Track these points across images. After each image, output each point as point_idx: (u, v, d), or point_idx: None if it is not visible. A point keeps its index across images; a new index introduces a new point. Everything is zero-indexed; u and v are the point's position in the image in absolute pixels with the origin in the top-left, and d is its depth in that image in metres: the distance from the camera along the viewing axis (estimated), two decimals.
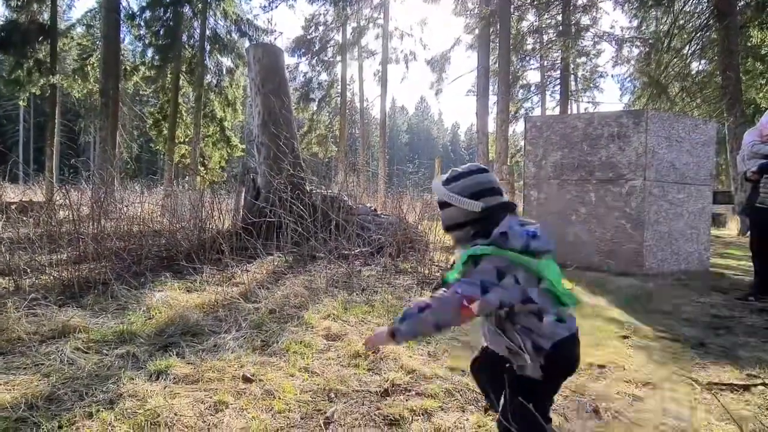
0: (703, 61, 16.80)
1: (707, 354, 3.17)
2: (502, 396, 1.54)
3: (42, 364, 2.48)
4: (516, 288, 1.39)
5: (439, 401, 2.26)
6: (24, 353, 2.61)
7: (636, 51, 18.24)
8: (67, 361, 2.53)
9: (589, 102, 24.20)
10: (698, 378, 2.71)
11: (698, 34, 14.98)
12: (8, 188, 9.75)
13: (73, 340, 2.82)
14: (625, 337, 3.48)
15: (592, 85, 22.84)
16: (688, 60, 16.15)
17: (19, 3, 14.09)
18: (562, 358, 1.47)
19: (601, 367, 2.82)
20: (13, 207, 6.52)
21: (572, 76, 22.33)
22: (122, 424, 1.92)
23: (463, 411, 2.18)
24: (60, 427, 1.88)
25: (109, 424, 1.91)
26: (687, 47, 15.56)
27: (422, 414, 2.13)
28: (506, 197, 1.56)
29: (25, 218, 6.04)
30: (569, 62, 20.41)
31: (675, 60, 15.72)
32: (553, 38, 20.21)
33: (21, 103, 16.44)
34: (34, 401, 2.08)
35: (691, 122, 6.77)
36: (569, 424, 2.09)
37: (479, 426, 2.04)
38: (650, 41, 16.67)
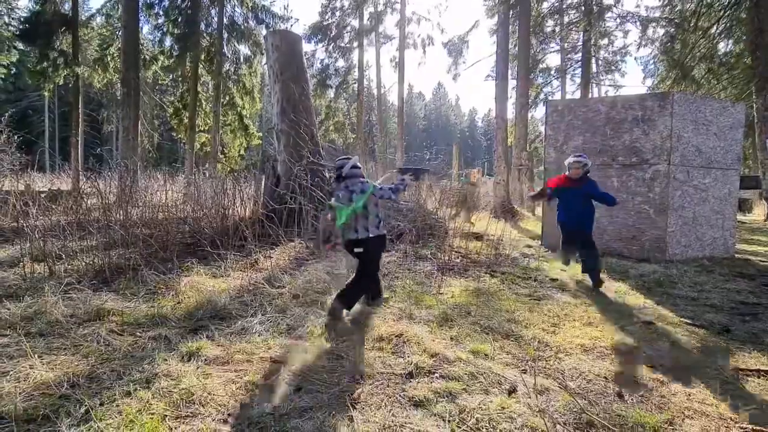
0: (730, 41, 16.12)
1: (732, 340, 3.14)
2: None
3: (80, 345, 2.60)
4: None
5: (463, 384, 2.30)
6: (63, 335, 2.74)
7: (661, 31, 17.61)
8: (104, 342, 2.65)
9: (610, 85, 23.50)
10: (723, 364, 2.69)
11: (727, 13, 14.35)
12: (36, 178, 10.06)
13: (108, 323, 2.94)
14: (648, 323, 3.46)
15: (614, 68, 22.19)
16: (715, 40, 15.51)
17: None
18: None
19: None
20: (42, 196, 6.74)
21: (594, 58, 21.72)
22: (159, 402, 2.01)
23: (487, 393, 2.22)
24: (101, 404, 1.98)
25: (147, 402, 2.01)
26: (714, 27, 14.94)
27: (446, 396, 2.18)
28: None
29: (54, 206, 6.23)
30: (591, 44, 19.84)
31: (701, 40, 15.12)
32: (575, 19, 19.63)
33: (46, 93, 16.80)
34: (76, 380, 2.19)
35: (718, 105, 6.56)
36: (593, 407, 2.11)
37: (503, 408, 2.07)
38: (676, 21, 16.05)
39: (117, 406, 1.97)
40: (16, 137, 7.32)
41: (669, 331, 3.30)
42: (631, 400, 2.23)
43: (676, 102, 5.97)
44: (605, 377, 2.46)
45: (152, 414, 1.91)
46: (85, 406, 1.94)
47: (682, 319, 3.58)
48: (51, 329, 2.81)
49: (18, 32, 15.59)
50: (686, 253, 6.14)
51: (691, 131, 6.12)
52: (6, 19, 17.24)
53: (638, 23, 17.97)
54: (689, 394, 2.30)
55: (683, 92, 12.83)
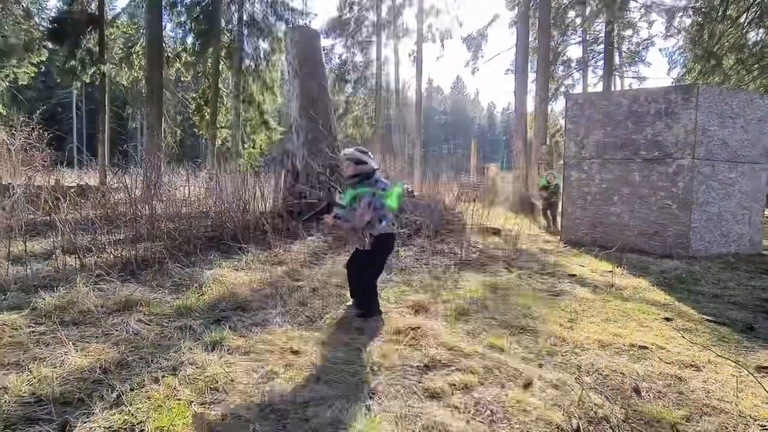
0: (761, 31, 15.52)
1: (756, 338, 3.08)
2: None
3: (111, 333, 2.72)
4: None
5: (479, 377, 2.33)
6: (94, 324, 2.87)
7: (688, 21, 17.08)
8: (132, 331, 2.77)
9: (634, 77, 22.90)
10: (746, 361, 2.65)
11: (757, 1, 13.83)
12: (66, 173, 10.43)
13: (136, 313, 3.06)
14: (668, 319, 3.42)
15: (637, 59, 21.63)
16: (745, 29, 14.96)
17: None
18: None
19: (643, 348, 2.80)
20: (72, 191, 6.99)
21: (616, 50, 21.21)
22: (185, 388, 2.11)
23: (502, 387, 2.25)
24: (131, 389, 2.08)
25: (174, 388, 2.10)
26: (744, 16, 14.41)
27: (462, 388, 2.21)
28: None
29: (83, 201, 6.46)
30: (614, 36, 19.38)
31: (730, 30, 14.61)
32: (597, 10, 19.20)
33: (74, 91, 17.34)
34: (107, 366, 2.30)
35: (746, 97, 6.36)
36: (609, 402, 2.12)
37: (518, 401, 2.10)
38: (704, 10, 15.53)
39: (146, 391, 2.07)
40: (46, 134, 7.59)
41: (690, 327, 3.26)
42: (648, 396, 2.23)
43: (701, 94, 5.82)
44: (622, 373, 2.45)
45: (179, 400, 2.00)
46: (117, 391, 2.04)
47: (703, 316, 3.52)
48: (83, 318, 2.94)
49: (47, 32, 16.09)
50: (710, 249, 6.01)
51: (716, 124, 5.96)
52: (36, 19, 17.79)
53: (664, 13, 17.45)
54: (708, 391, 2.28)
55: (709, 85, 12.45)
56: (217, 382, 2.17)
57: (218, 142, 18.10)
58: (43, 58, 17.56)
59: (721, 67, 14.67)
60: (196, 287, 3.68)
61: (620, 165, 6.43)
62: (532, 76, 15.99)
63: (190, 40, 17.31)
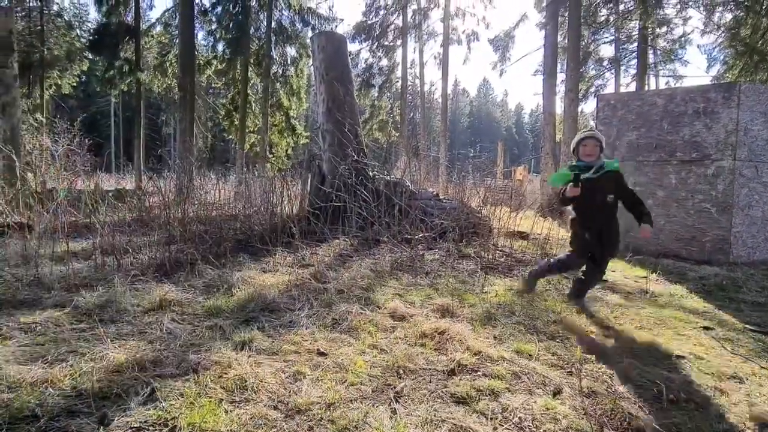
0: None
1: None
2: None
3: (146, 332, 2.82)
4: None
5: (506, 383, 2.29)
6: (130, 322, 2.98)
7: (729, 16, 16.37)
8: (166, 330, 2.85)
9: (669, 76, 22.08)
10: None
11: None
12: (104, 177, 10.89)
13: (169, 313, 3.16)
14: (707, 328, 3.27)
15: (673, 57, 20.85)
16: None
17: (108, 7, 15.45)
18: None
19: (680, 357, 2.69)
20: (110, 194, 7.29)
21: (651, 48, 20.53)
22: (216, 386, 2.16)
23: (531, 394, 2.20)
24: (165, 386, 2.14)
25: (205, 385, 2.16)
26: None
27: (489, 394, 2.18)
28: None
29: (120, 204, 6.73)
30: (648, 33, 18.78)
31: None
32: (631, 7, 18.65)
33: (113, 99, 18.13)
34: (143, 363, 2.38)
35: None
36: (643, 413, 2.05)
37: (547, 408, 2.05)
38: (746, 4, 14.87)
39: (178, 388, 2.13)
40: (86, 140, 7.97)
41: (731, 337, 3.11)
42: (686, 407, 2.14)
43: (743, 93, 5.57)
44: (657, 382, 2.36)
45: (210, 397, 2.05)
46: (151, 387, 2.11)
47: (746, 325, 3.36)
48: (120, 317, 3.06)
49: (87, 43, 16.89)
50: (753, 255, 5.72)
51: (760, 124, 5.69)
52: (78, 31, 18.69)
53: (702, 8, 16.80)
54: (752, 405, 2.17)
55: (752, 82, 11.89)
56: (245, 381, 2.22)
57: (246, 146, 18.53)
58: (84, 68, 18.41)
59: (766, 64, 14.00)
60: (225, 288, 3.76)
61: (655, 167, 6.22)
62: (561, 76, 15.68)
63: (220, 47, 17.83)
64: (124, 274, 3.88)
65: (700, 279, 4.76)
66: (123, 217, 5.88)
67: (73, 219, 5.47)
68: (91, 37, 16.82)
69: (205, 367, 2.35)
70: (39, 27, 17.48)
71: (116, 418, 1.86)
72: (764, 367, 2.42)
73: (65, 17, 19.77)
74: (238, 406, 2.01)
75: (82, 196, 6.01)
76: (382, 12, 22.76)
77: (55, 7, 19.65)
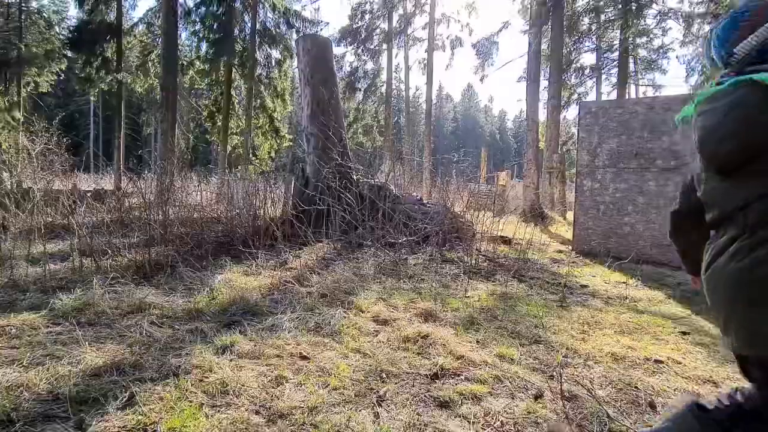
0: None
1: None
2: None
3: (125, 335, 2.76)
4: None
5: (488, 387, 2.31)
6: (109, 325, 2.91)
7: (707, 28, 16.92)
8: (146, 333, 2.80)
9: (649, 85, 22.67)
10: None
11: None
12: (83, 177, 10.64)
13: (149, 316, 3.10)
14: (684, 333, 3.36)
15: (653, 66, 21.40)
16: None
17: (90, 6, 15.15)
18: None
19: (658, 362, 2.75)
20: (88, 195, 7.13)
21: (631, 57, 21.04)
22: (197, 390, 2.12)
23: (513, 398, 2.22)
24: (144, 390, 2.10)
25: (186, 390, 2.12)
26: None
27: (471, 398, 2.20)
28: None
29: (99, 205, 6.58)
30: (628, 42, 19.25)
31: None
32: (612, 17, 19.09)
33: (92, 98, 17.75)
34: (122, 367, 2.33)
35: None
36: (623, 417, 2.09)
37: (529, 412, 2.07)
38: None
39: (158, 392, 2.09)
40: (65, 140, 7.77)
41: (707, 342, 3.20)
42: (665, 410, 2.18)
43: None
44: (637, 387, 2.41)
45: (190, 402, 2.01)
46: (131, 390, 2.06)
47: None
48: (99, 319, 2.99)
49: (67, 41, 16.52)
50: None
51: None
52: (57, 29, 18.28)
53: (681, 20, 17.30)
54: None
55: None
56: (227, 385, 2.19)
57: (229, 148, 18.33)
58: (63, 67, 18.00)
59: None
60: (207, 291, 3.71)
61: (635, 174, 6.37)
62: (544, 83, 15.95)
63: (204, 48, 17.62)
64: (103, 276, 3.79)
65: (679, 285, 4.88)
66: (102, 218, 5.75)
67: (50, 219, 5.32)
68: (71, 35, 16.46)
69: (185, 370, 2.31)
70: (17, 24, 17.05)
71: (94, 423, 1.81)
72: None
73: (44, 14, 19.32)
74: (219, 411, 1.98)
75: (60, 196, 5.86)
76: (368, 16, 22.83)
77: (35, 4, 19.21)
